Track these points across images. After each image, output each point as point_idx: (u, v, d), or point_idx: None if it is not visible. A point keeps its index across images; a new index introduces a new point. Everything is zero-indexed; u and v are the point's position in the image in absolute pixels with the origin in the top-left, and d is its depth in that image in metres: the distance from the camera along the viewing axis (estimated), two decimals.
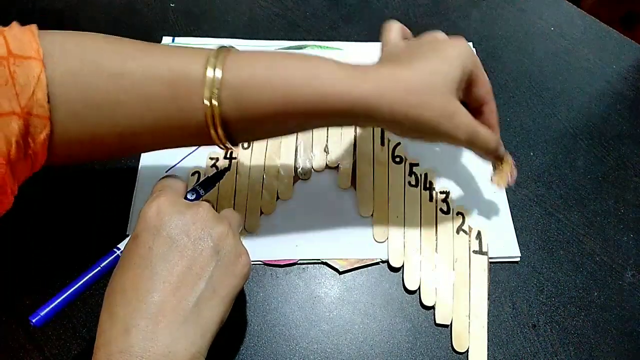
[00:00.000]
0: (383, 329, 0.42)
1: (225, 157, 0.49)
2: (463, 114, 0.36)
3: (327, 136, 0.51)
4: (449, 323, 0.42)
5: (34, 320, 0.31)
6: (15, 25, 0.32)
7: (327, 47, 0.58)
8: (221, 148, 0.35)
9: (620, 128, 0.54)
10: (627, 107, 0.56)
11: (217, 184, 0.40)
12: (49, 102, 0.31)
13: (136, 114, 0.33)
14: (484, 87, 0.39)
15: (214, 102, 0.32)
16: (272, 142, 0.50)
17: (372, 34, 0.60)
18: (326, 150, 0.50)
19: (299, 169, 0.49)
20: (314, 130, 0.51)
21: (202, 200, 0.38)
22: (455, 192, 0.48)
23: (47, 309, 0.31)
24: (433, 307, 0.43)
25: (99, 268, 0.33)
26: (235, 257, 0.33)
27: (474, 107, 0.39)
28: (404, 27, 0.41)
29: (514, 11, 0.63)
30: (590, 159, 0.52)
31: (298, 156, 0.50)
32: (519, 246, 0.46)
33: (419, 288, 0.44)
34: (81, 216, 0.46)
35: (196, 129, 0.33)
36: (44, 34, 0.32)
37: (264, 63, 0.33)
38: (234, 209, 0.46)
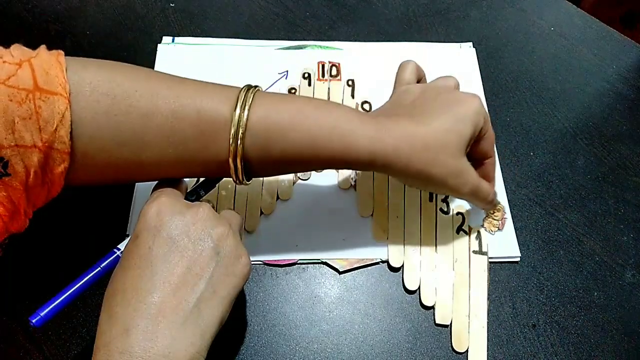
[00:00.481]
0: (383, 329, 0.42)
1: None
2: (470, 172, 0.38)
3: None
4: (448, 323, 0.42)
5: (33, 321, 0.31)
6: (42, 51, 0.33)
7: (327, 47, 0.58)
8: (235, 182, 0.36)
9: (620, 128, 0.54)
10: (627, 107, 0.56)
11: (216, 185, 0.40)
12: (71, 138, 0.31)
13: (161, 150, 0.34)
14: (490, 142, 0.41)
15: (239, 144, 0.33)
16: None
17: (372, 34, 0.60)
18: None
19: None
20: None
21: (202, 200, 0.38)
22: None
23: (47, 309, 0.31)
24: (433, 307, 0.43)
25: (99, 268, 0.33)
26: (235, 258, 0.33)
27: (476, 158, 0.41)
28: (419, 67, 0.44)
29: (514, 11, 0.63)
30: (590, 159, 0.52)
31: None
32: (519, 246, 0.46)
33: (419, 288, 0.44)
34: (81, 216, 0.46)
35: (217, 166, 0.35)
36: (74, 65, 0.33)
37: (290, 110, 0.35)
38: (234, 209, 0.46)
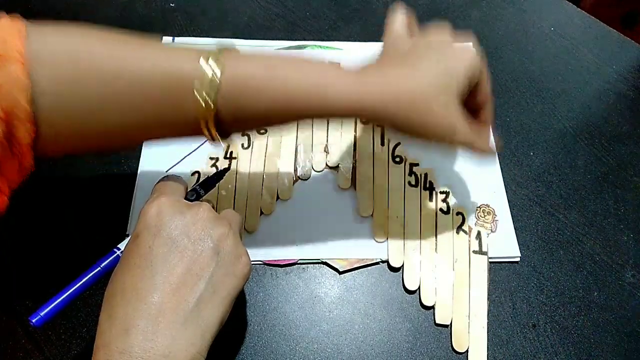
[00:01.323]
0: (383, 329, 0.42)
1: (225, 157, 0.49)
2: (461, 127, 0.36)
3: (327, 136, 0.51)
4: (448, 323, 0.42)
5: (33, 320, 0.31)
6: (3, 19, 0.32)
7: (327, 47, 0.58)
8: (211, 143, 0.35)
9: (620, 128, 0.54)
10: (627, 107, 0.56)
11: (217, 184, 0.40)
12: (34, 106, 0.30)
13: (129, 113, 0.32)
14: (486, 93, 0.39)
15: (210, 103, 0.32)
16: (273, 142, 0.50)
17: (372, 34, 0.60)
18: (326, 150, 0.50)
19: (299, 169, 0.49)
20: (314, 130, 0.51)
21: (202, 200, 0.38)
22: (455, 192, 0.48)
23: (47, 309, 0.31)
24: (433, 307, 0.43)
25: (99, 268, 0.33)
26: (235, 258, 0.33)
27: (472, 108, 0.39)
28: (411, 17, 0.41)
29: (514, 11, 0.63)
30: (590, 159, 0.52)
31: (298, 156, 0.50)
32: (519, 246, 0.46)
33: (419, 288, 0.44)
34: (81, 216, 0.46)
35: (190, 126, 0.33)
36: (34, 32, 0.31)
37: (262, 66, 0.33)
38: (234, 209, 0.46)
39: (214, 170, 0.48)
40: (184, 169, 0.48)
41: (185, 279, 0.31)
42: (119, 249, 0.34)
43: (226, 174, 0.41)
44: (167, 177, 0.37)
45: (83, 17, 0.59)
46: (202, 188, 0.39)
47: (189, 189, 0.38)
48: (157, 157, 0.49)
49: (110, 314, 0.30)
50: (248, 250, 0.35)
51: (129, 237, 0.33)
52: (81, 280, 0.33)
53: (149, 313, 0.29)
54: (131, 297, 0.30)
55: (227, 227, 0.34)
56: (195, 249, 0.32)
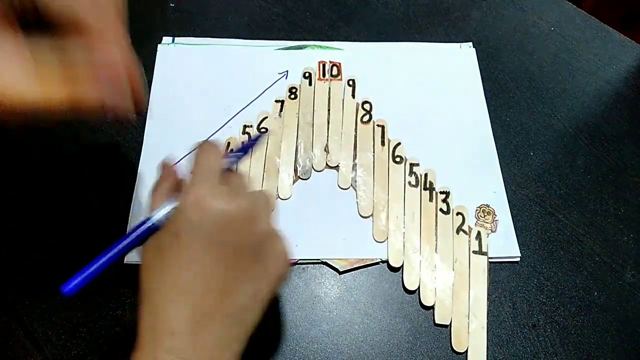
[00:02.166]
0: (383, 329, 0.42)
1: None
2: None
3: (328, 136, 0.51)
4: (448, 323, 0.42)
5: (66, 290, 0.29)
6: None
7: (327, 47, 0.58)
8: None
9: (620, 128, 0.54)
10: (627, 107, 0.56)
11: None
12: None
13: None
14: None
15: None
16: (273, 142, 0.50)
17: (372, 34, 0.60)
18: (326, 150, 0.50)
19: (299, 169, 0.49)
20: (314, 129, 0.51)
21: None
22: (455, 192, 0.48)
23: (78, 279, 0.29)
24: (432, 307, 0.43)
25: (131, 238, 0.32)
26: (275, 258, 0.33)
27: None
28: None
29: (514, 11, 0.63)
30: (590, 159, 0.52)
31: (298, 156, 0.50)
32: (519, 246, 0.46)
33: (419, 288, 0.44)
34: (81, 214, 0.46)
35: None
36: None
37: None
38: None
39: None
40: (184, 169, 0.48)
41: (228, 281, 0.30)
42: (150, 219, 0.32)
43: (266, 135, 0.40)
44: (203, 146, 0.34)
45: None
46: (242, 152, 0.38)
47: (227, 156, 0.36)
48: (157, 156, 0.49)
49: (154, 311, 0.29)
50: None
51: (161, 209, 0.32)
52: (112, 251, 0.31)
53: (194, 315, 0.29)
54: (175, 297, 0.29)
55: (268, 222, 0.33)
56: (238, 250, 0.31)
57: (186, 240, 0.30)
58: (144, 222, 0.32)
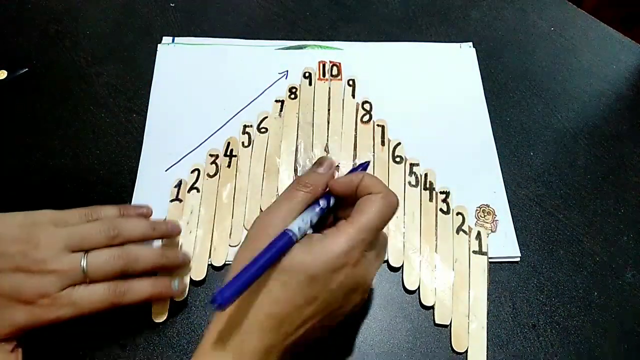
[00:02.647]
0: (383, 329, 0.42)
1: (225, 155, 0.49)
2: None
3: (328, 136, 0.51)
4: (448, 323, 0.42)
5: (217, 303, 0.28)
6: None
7: (327, 47, 0.58)
8: None
9: (620, 128, 0.54)
10: (627, 107, 0.56)
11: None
12: None
13: None
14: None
15: None
16: (273, 142, 0.50)
17: (372, 34, 0.60)
18: (326, 150, 0.50)
19: (299, 169, 0.49)
20: (314, 129, 0.51)
21: None
22: (455, 192, 0.48)
23: (230, 291, 0.29)
24: (432, 307, 0.43)
25: (274, 250, 0.31)
26: (350, 309, 0.35)
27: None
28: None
29: (514, 11, 0.63)
30: (590, 159, 0.52)
31: (298, 156, 0.50)
32: (519, 246, 0.46)
33: (419, 288, 0.44)
34: None
35: None
36: None
37: None
38: (233, 208, 0.46)
39: (213, 167, 0.48)
40: (184, 168, 0.48)
41: (302, 325, 0.32)
42: (291, 231, 0.32)
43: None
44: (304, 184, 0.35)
45: (83, 16, 0.59)
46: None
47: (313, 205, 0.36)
48: (157, 157, 0.49)
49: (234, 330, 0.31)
50: None
51: (301, 222, 0.33)
52: (258, 263, 0.30)
53: (262, 345, 0.31)
54: (259, 326, 0.31)
55: (366, 291, 0.35)
56: (326, 307, 0.33)
57: (317, 293, 0.31)
58: (285, 235, 0.32)
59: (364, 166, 0.41)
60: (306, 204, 0.35)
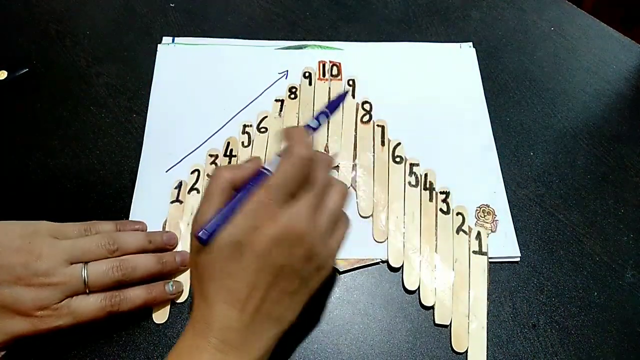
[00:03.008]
0: (383, 329, 0.42)
1: (225, 155, 0.49)
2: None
3: (328, 136, 0.51)
4: (448, 323, 0.42)
5: (201, 236, 0.32)
6: None
7: (327, 47, 0.58)
8: None
9: (620, 128, 0.54)
10: (627, 107, 0.56)
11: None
12: None
13: None
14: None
15: None
16: (273, 141, 0.50)
17: (372, 34, 0.60)
18: (326, 150, 0.50)
19: None
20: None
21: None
22: (455, 192, 0.48)
23: (210, 224, 0.32)
24: (432, 307, 0.43)
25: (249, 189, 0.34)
26: (319, 282, 0.36)
27: None
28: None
29: (514, 11, 0.63)
30: (590, 159, 0.52)
31: None
32: (519, 246, 0.46)
33: (419, 288, 0.44)
34: (81, 216, 0.46)
35: None
36: None
37: None
38: None
39: (213, 168, 0.48)
40: (184, 168, 0.49)
41: (271, 295, 0.33)
42: (265, 168, 0.35)
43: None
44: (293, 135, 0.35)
45: (83, 16, 0.59)
46: (330, 110, 0.39)
47: (308, 122, 0.38)
48: (157, 158, 0.49)
49: (208, 307, 0.33)
50: None
51: (273, 160, 0.34)
52: (238, 202, 0.33)
53: (240, 315, 0.32)
54: (227, 301, 0.32)
55: (328, 251, 0.35)
56: (287, 274, 0.33)
57: (247, 260, 0.32)
58: (261, 174, 0.34)
59: (341, 99, 0.41)
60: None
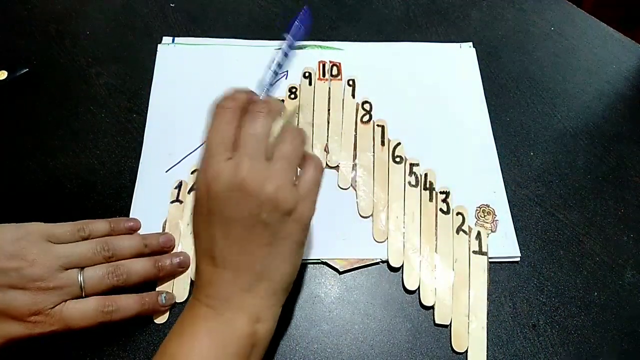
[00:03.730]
0: (383, 329, 0.42)
1: None
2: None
3: (328, 136, 0.51)
4: (448, 323, 0.42)
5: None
6: None
7: (327, 47, 0.58)
8: None
9: (620, 128, 0.54)
10: (627, 107, 0.56)
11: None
12: None
13: None
14: None
15: None
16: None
17: (372, 34, 0.60)
18: (326, 150, 0.50)
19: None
20: (314, 129, 0.51)
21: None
22: (455, 192, 0.48)
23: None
24: (432, 307, 0.43)
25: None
26: (291, 241, 0.35)
27: None
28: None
29: (514, 11, 0.63)
30: (590, 159, 0.52)
31: None
32: (519, 246, 0.46)
33: (419, 288, 0.44)
34: (81, 216, 0.46)
35: None
36: None
37: None
38: None
39: None
40: (184, 168, 0.49)
41: (254, 252, 0.33)
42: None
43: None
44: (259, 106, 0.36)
45: (83, 16, 0.59)
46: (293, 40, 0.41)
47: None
48: (157, 158, 0.49)
49: (198, 270, 0.35)
50: None
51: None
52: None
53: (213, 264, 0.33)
54: (209, 262, 0.34)
55: (287, 173, 0.34)
56: (253, 227, 0.33)
57: (204, 215, 0.34)
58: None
59: (304, 17, 0.42)
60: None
